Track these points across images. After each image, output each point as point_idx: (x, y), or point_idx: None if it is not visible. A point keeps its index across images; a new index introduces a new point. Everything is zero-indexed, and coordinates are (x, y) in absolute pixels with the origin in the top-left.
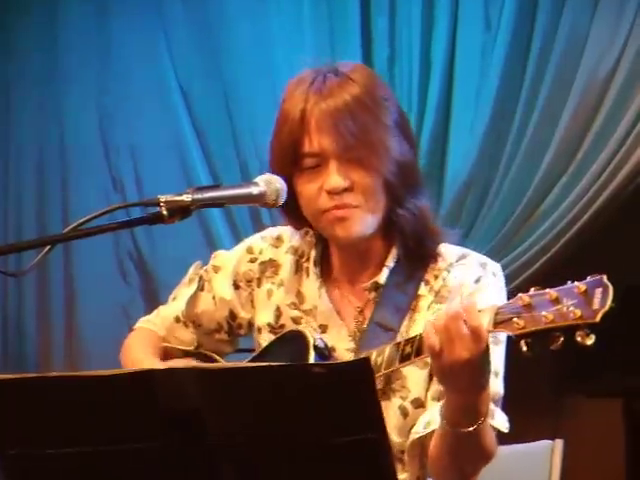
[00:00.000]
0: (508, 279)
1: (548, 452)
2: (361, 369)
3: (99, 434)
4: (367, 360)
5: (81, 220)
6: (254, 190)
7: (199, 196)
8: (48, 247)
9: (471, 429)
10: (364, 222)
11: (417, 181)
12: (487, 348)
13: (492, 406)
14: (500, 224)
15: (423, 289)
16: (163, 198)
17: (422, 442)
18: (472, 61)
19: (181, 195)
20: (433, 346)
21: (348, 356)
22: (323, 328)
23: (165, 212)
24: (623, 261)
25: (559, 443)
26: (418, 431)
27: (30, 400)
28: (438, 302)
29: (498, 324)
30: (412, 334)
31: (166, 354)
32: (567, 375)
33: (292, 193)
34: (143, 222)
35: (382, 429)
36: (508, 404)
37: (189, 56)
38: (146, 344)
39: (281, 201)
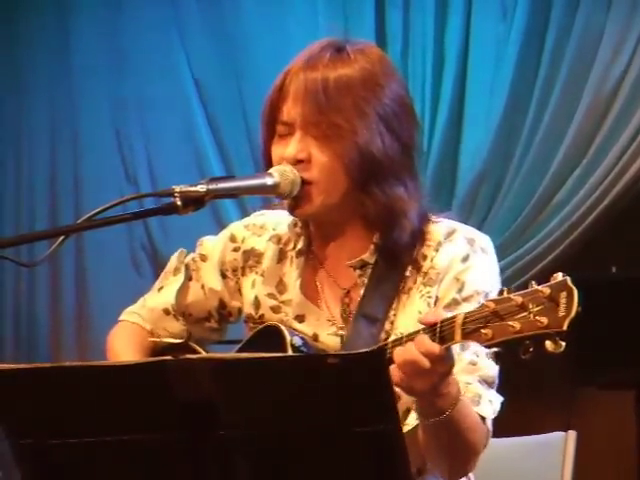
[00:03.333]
0: (520, 272)
1: (561, 444)
2: (375, 360)
3: (112, 424)
4: (381, 351)
5: (95, 211)
6: (268, 181)
7: (213, 187)
8: (61, 238)
9: (439, 418)
10: (318, 200)
11: (388, 172)
12: (451, 365)
13: (482, 389)
14: (512, 217)
15: (410, 271)
16: (178, 189)
17: (415, 433)
18: (486, 54)
19: (195, 186)
20: (395, 379)
21: (332, 341)
22: (300, 318)
23: (179, 203)
24: (634, 255)
25: (572, 435)
26: (410, 422)
27: (43, 390)
28: (427, 285)
29: (466, 335)
30: (401, 323)
31: (154, 349)
32: (580, 367)
33: (271, 158)
34: (157, 213)
35: (396, 420)
36: (521, 396)
37: (203, 48)
38: (131, 342)
39: (295, 192)
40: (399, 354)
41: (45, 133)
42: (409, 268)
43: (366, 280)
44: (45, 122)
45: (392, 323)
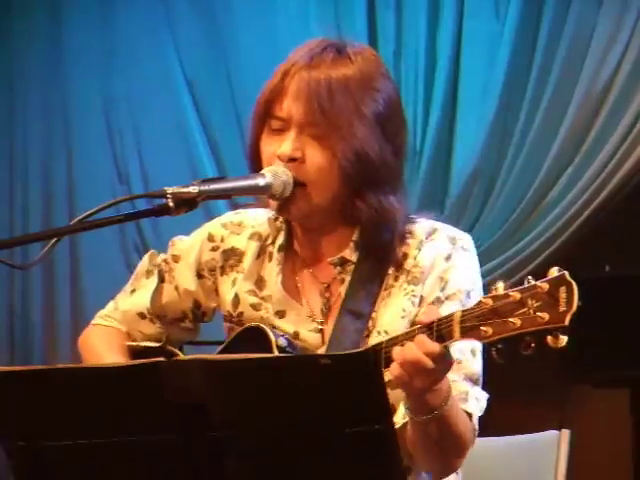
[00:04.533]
0: (513, 270)
1: (555, 442)
2: (367, 360)
3: (105, 426)
4: (372, 350)
5: (87, 212)
6: (261, 182)
7: (205, 188)
8: (54, 240)
9: (429, 416)
10: (309, 201)
11: (383, 179)
12: (449, 365)
13: (468, 387)
14: (506, 215)
15: (392, 270)
16: (170, 190)
17: (402, 431)
18: (479, 53)
19: (187, 187)
20: (400, 379)
21: (313, 337)
22: (281, 314)
23: (172, 204)
24: (628, 252)
25: (566, 433)
26: (397, 421)
27: (38, 392)
28: (412, 283)
29: (465, 332)
30: (383, 320)
31: (132, 352)
32: (573, 365)
33: (259, 151)
34: (150, 214)
35: (388, 420)
36: (515, 395)
37: (195, 47)
38: (113, 344)
39: (288, 192)
40: (399, 353)
41: (38, 134)
42: (391, 266)
43: (346, 276)
44: (38, 123)
45: (373, 319)
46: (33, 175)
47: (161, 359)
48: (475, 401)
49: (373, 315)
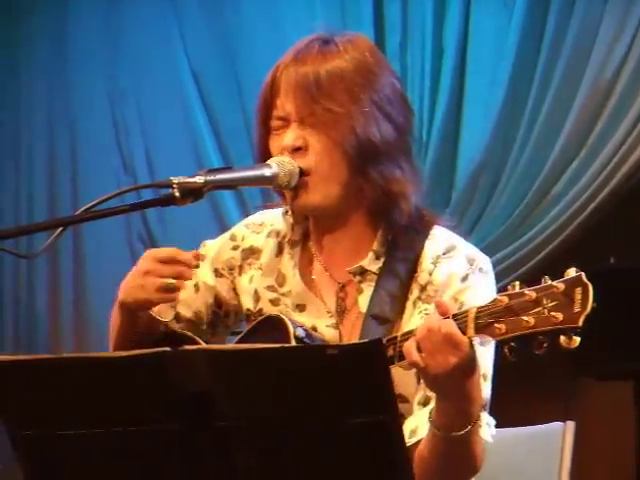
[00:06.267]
0: (520, 263)
1: (560, 434)
2: (373, 351)
3: (110, 415)
4: (379, 342)
5: (92, 202)
6: (266, 172)
7: (211, 178)
8: (59, 229)
9: (462, 432)
10: (317, 190)
11: (385, 156)
12: (471, 353)
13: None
14: (512, 207)
15: (413, 278)
16: (176, 180)
17: (410, 451)
18: (486, 44)
19: (193, 177)
20: (416, 362)
21: (330, 333)
22: (301, 307)
23: (177, 194)
24: (633, 245)
25: (570, 425)
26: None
27: (43, 381)
28: (425, 302)
29: (479, 329)
30: (403, 326)
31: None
32: (579, 358)
33: (266, 152)
34: (155, 204)
35: (394, 411)
36: (521, 387)
37: (201, 39)
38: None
39: (294, 183)
40: (422, 327)
41: (43, 125)
42: (413, 275)
43: (365, 285)
44: (43, 113)
45: (400, 326)
46: (38, 165)
47: (166, 349)
48: (487, 427)
49: (400, 322)
